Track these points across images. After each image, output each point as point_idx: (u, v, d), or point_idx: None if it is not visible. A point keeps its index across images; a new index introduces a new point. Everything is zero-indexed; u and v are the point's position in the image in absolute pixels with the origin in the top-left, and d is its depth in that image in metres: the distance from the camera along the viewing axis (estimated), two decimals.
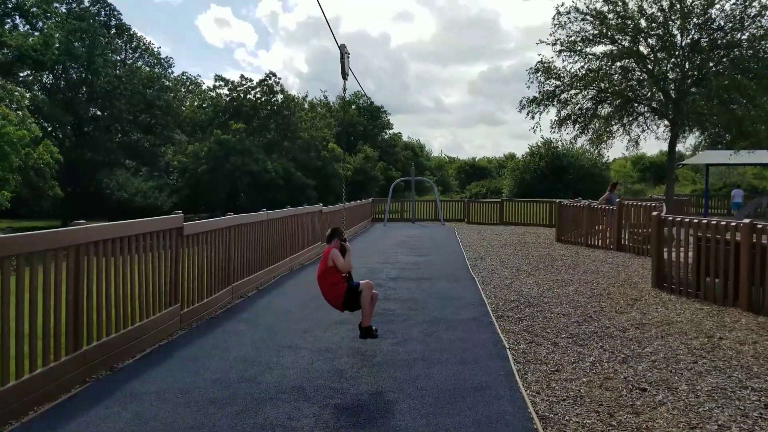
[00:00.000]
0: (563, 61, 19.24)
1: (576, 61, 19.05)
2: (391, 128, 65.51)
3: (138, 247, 5.32)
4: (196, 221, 6.72)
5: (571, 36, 18.79)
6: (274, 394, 4.26)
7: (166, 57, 52.37)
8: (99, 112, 44.26)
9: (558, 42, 18.90)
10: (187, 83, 55.99)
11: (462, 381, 4.54)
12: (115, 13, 47.07)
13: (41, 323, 4.10)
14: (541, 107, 19.60)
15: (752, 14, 17.05)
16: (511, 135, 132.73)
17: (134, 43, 49.33)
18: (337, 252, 5.24)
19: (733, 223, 7.31)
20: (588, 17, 18.47)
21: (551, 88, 19.42)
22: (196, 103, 46.95)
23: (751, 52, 17.21)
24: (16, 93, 30.90)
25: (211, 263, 7.01)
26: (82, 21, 40.87)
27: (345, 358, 5.13)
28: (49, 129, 40.79)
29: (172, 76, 52.54)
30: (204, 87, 50.50)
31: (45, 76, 42.18)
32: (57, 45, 35.78)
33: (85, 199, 41.73)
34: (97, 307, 4.70)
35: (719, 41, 17.49)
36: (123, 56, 48.89)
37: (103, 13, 46.30)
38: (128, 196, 39.49)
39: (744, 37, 17.38)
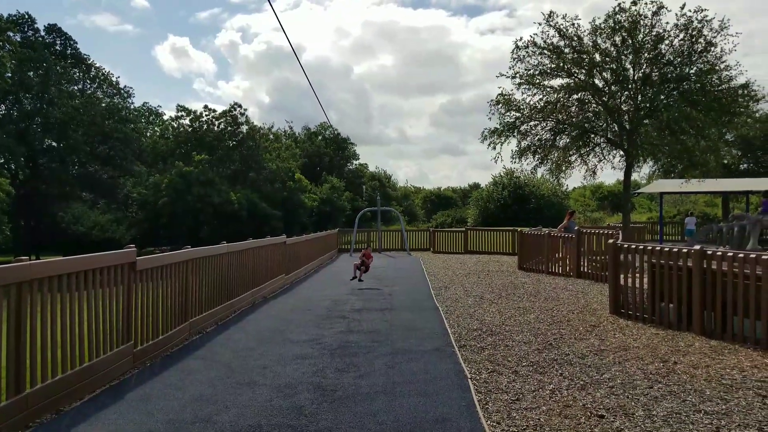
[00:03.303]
0: (522, 93, 19.84)
1: (535, 94, 19.67)
2: (358, 159, 66.00)
3: (87, 284, 5.13)
4: (150, 255, 6.54)
5: (529, 69, 19.42)
6: None
7: (126, 87, 51.31)
8: (54, 143, 43.13)
9: (517, 75, 19.51)
10: (148, 114, 55.33)
11: (423, 413, 4.49)
12: (71, 42, 46.33)
13: None
14: (502, 138, 20.08)
15: (699, 50, 17.95)
16: (474, 165, 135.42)
17: (92, 73, 48.52)
18: (362, 255, 13.19)
19: (684, 250, 7.53)
20: (546, 51, 19.14)
21: (512, 120, 19.93)
22: (157, 134, 46.38)
23: (699, 85, 18.06)
24: None
25: (167, 299, 6.81)
26: (35, 51, 40.04)
27: (305, 394, 5.01)
28: (1, 161, 39.54)
29: (132, 106, 51.82)
30: (166, 117, 50.04)
31: None
32: (9, 74, 34.94)
33: (40, 233, 40.39)
34: (42, 347, 4.49)
35: (669, 75, 18.31)
36: (81, 86, 47.97)
37: (58, 42, 45.53)
38: (85, 230, 38.34)
39: (692, 71, 18.25)
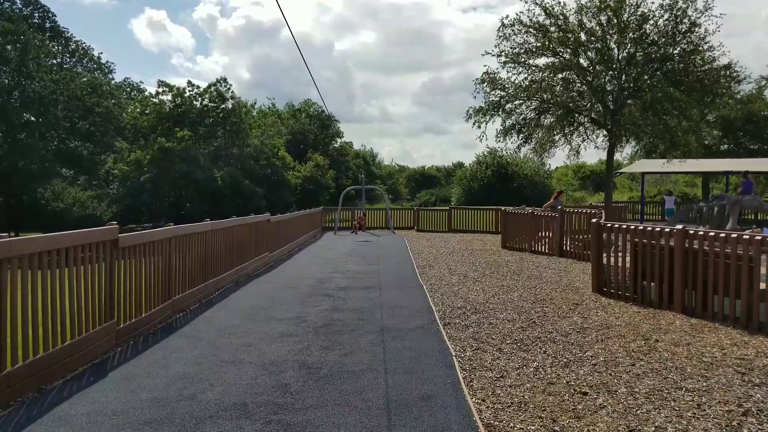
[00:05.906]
0: (508, 72, 19.74)
1: (520, 73, 19.58)
2: (342, 137, 65.47)
3: (68, 261, 5.04)
4: (132, 233, 6.44)
5: (515, 48, 19.30)
6: (215, 412, 4.11)
7: (107, 62, 50.05)
8: (33, 118, 42.06)
9: (503, 53, 19.39)
10: (129, 90, 54.17)
11: (408, 391, 4.51)
12: (50, 14, 45.00)
13: None
14: (487, 117, 20.03)
15: (683, 30, 17.97)
16: (458, 144, 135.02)
17: (72, 47, 47.24)
18: (359, 219, 23.97)
19: (667, 229, 7.62)
20: (531, 30, 19.02)
21: (496, 99, 19.87)
22: (138, 110, 45.41)
23: (682, 65, 18.13)
24: None
25: (150, 276, 6.73)
26: (13, 22, 38.78)
27: (290, 372, 5.01)
28: None
29: (113, 82, 50.62)
30: (147, 93, 48.97)
31: None
32: None
33: (19, 210, 39.61)
34: (23, 324, 4.42)
35: (653, 55, 18.34)
36: (60, 60, 46.68)
37: (36, 14, 44.19)
38: (65, 207, 37.69)
39: (676, 51, 18.30)
